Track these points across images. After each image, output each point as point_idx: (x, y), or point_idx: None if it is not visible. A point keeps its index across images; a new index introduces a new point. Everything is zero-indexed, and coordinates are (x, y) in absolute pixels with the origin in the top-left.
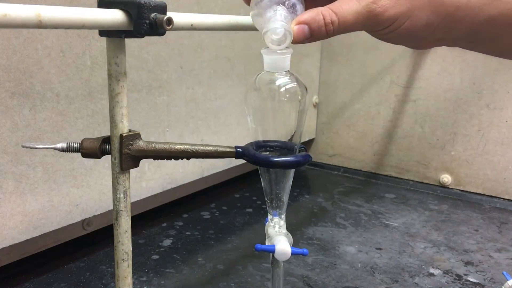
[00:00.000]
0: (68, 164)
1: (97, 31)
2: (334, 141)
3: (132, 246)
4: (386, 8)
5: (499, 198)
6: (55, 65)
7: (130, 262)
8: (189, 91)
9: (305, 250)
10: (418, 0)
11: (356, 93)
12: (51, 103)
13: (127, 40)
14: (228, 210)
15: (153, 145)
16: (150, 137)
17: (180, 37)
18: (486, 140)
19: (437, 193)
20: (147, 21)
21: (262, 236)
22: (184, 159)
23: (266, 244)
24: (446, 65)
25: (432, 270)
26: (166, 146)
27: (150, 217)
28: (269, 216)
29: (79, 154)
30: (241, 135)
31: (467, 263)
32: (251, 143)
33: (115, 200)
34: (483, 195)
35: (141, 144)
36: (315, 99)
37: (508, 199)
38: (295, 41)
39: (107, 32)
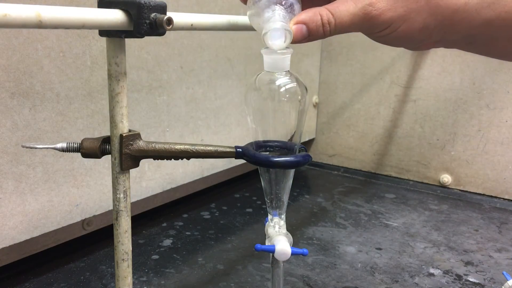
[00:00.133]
0: (68, 164)
1: (97, 31)
2: (334, 141)
3: (132, 246)
4: (383, 11)
5: (499, 198)
6: (55, 65)
7: (130, 262)
8: (189, 91)
9: (305, 250)
10: (415, 3)
11: (356, 93)
12: (51, 103)
13: (127, 40)
14: (228, 210)
15: (153, 145)
16: (150, 137)
17: (180, 37)
18: (486, 140)
19: (437, 193)
20: (147, 21)
21: (262, 236)
22: (184, 159)
23: (266, 244)
24: (446, 65)
25: (432, 270)
26: (166, 146)
27: (150, 217)
28: (269, 216)
29: (79, 154)
30: (241, 135)
31: (467, 263)
32: (251, 143)
33: (115, 200)
34: (483, 195)
35: (141, 144)
36: (315, 99)
37: (508, 199)
38: (293, 41)
39: (107, 32)
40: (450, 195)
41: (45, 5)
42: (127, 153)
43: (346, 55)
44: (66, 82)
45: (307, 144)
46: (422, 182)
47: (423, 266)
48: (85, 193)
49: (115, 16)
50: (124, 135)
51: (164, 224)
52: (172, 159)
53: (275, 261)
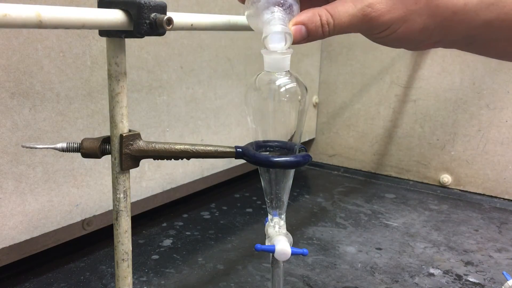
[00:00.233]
0: (68, 164)
1: (97, 31)
2: (334, 141)
3: (132, 246)
4: (382, 12)
5: (499, 198)
6: (55, 65)
7: (130, 262)
8: (189, 91)
9: (305, 250)
10: (414, 4)
11: (356, 93)
12: (51, 103)
13: (127, 40)
14: (228, 210)
15: (153, 145)
16: (150, 137)
17: (180, 37)
18: (486, 140)
19: (437, 193)
20: (147, 21)
21: (262, 236)
22: (184, 159)
23: (266, 244)
24: (446, 65)
25: (432, 270)
26: (166, 146)
27: (150, 217)
28: (269, 216)
29: (79, 154)
30: (241, 135)
31: (467, 263)
32: (251, 143)
33: (115, 200)
34: (483, 195)
35: (141, 144)
36: (315, 99)
37: (508, 199)
38: (293, 42)
39: (107, 32)
40: (450, 195)
41: (45, 5)
42: (127, 153)
43: (346, 55)
44: (66, 82)
45: (307, 144)
46: (422, 182)
47: (423, 266)
48: (85, 193)
49: (115, 16)
50: (124, 135)
51: (164, 224)
52: (172, 159)
53: (275, 261)
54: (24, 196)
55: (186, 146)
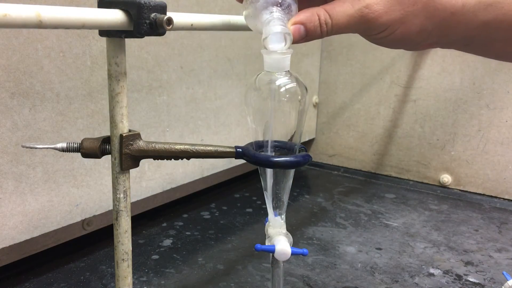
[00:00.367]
0: (68, 164)
1: (97, 31)
2: (334, 141)
3: (132, 246)
4: (380, 14)
5: (499, 198)
6: (55, 65)
7: (130, 262)
8: (189, 91)
9: (305, 250)
10: (412, 6)
11: (356, 93)
12: (51, 103)
13: (127, 40)
14: (228, 210)
15: (153, 145)
16: (150, 137)
17: (180, 37)
18: (486, 140)
19: (437, 193)
20: (147, 21)
21: (262, 236)
22: (184, 159)
23: (266, 244)
24: (446, 65)
25: (432, 270)
26: (166, 146)
27: (150, 217)
28: (269, 216)
29: (79, 154)
30: (241, 135)
31: (467, 263)
32: (251, 143)
33: (115, 200)
34: (483, 195)
35: (141, 144)
36: (315, 99)
37: (508, 199)
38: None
39: (107, 32)
40: (450, 195)
41: (45, 5)
42: (127, 153)
43: (346, 55)
44: (66, 82)
45: (307, 144)
46: (422, 182)
47: (423, 266)
48: (85, 193)
49: (115, 16)
50: (124, 135)
51: (164, 224)
52: (172, 159)
53: (275, 261)
54: (24, 196)
55: (186, 146)
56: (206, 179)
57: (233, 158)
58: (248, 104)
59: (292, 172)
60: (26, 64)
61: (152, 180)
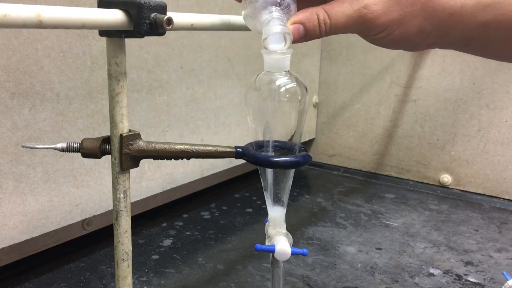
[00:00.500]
0: (68, 164)
1: (97, 31)
2: (334, 141)
3: (132, 246)
4: (378, 14)
5: (499, 198)
6: (55, 65)
7: (130, 262)
8: (189, 91)
9: (305, 250)
10: (411, 6)
11: (356, 93)
12: (51, 103)
13: (127, 40)
14: (228, 210)
15: (153, 145)
16: (150, 137)
17: (180, 37)
18: (486, 140)
19: (437, 193)
20: (147, 21)
21: (262, 236)
22: (184, 159)
23: (266, 244)
24: (446, 65)
25: (432, 270)
26: (166, 146)
27: (150, 217)
28: (269, 216)
29: (79, 154)
30: (241, 135)
31: (467, 263)
32: (251, 143)
33: (115, 200)
34: (483, 195)
35: (141, 144)
36: (315, 99)
37: (508, 199)
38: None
39: (107, 32)
40: (450, 195)
41: (45, 5)
42: (127, 153)
43: (346, 55)
44: (66, 82)
45: (307, 144)
46: (422, 182)
47: (423, 266)
48: (85, 193)
49: (115, 16)
50: (124, 135)
51: (164, 224)
52: (172, 159)
53: (275, 261)
54: (24, 196)
55: (186, 146)
56: (206, 179)
57: (233, 158)
58: (248, 104)
59: (292, 172)
60: (26, 64)
61: (152, 180)
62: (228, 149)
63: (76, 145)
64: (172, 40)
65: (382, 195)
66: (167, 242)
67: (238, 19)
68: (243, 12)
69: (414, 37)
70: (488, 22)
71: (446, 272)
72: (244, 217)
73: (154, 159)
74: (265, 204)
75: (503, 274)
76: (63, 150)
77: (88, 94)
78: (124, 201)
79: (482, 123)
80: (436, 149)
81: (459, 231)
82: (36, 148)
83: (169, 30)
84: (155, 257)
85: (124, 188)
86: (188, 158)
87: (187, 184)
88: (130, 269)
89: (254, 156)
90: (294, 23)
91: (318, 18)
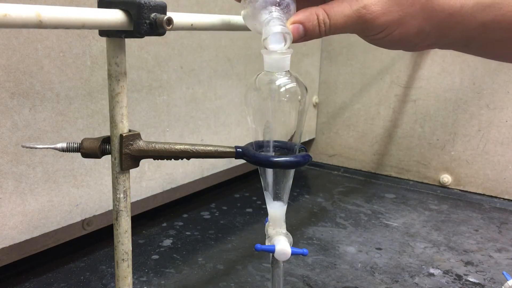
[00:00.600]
0: (68, 164)
1: (97, 31)
2: (334, 141)
3: (132, 246)
4: (377, 15)
5: (499, 198)
6: (55, 65)
7: (130, 262)
8: (189, 91)
9: (305, 250)
10: (410, 7)
11: (356, 93)
12: (51, 103)
13: (127, 40)
14: (228, 210)
15: (153, 145)
16: (150, 137)
17: (180, 37)
18: (486, 140)
19: (437, 193)
20: (147, 21)
21: (262, 236)
22: (184, 159)
23: (266, 244)
24: (446, 65)
25: (432, 270)
26: (166, 146)
27: (150, 217)
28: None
29: (79, 154)
30: (241, 135)
31: (467, 263)
32: (251, 143)
33: (115, 200)
34: (483, 195)
35: (141, 144)
36: (315, 99)
37: (508, 199)
38: None
39: (107, 32)
40: (450, 195)
41: (45, 5)
42: (127, 153)
43: (346, 55)
44: (66, 82)
45: (307, 144)
46: (422, 182)
47: (423, 266)
48: (85, 193)
49: (115, 16)
50: (124, 135)
51: (164, 224)
52: (172, 159)
53: (275, 261)
54: (24, 196)
55: (186, 146)
56: (206, 179)
57: (233, 158)
58: (248, 104)
59: (292, 172)
60: (26, 64)
61: (152, 180)
62: (228, 149)
63: (76, 145)
64: (172, 40)
65: (382, 195)
66: (167, 242)
67: (238, 19)
68: (242, 12)
69: (413, 37)
70: (487, 22)
71: (446, 272)
72: (244, 217)
73: (154, 159)
74: (265, 204)
75: (503, 274)
76: (63, 150)
77: (88, 94)
78: (124, 201)
79: (482, 123)
80: (436, 149)
81: (459, 231)
82: (36, 148)
83: (169, 30)
84: (155, 257)
85: (124, 188)
86: (188, 158)
87: (187, 184)
88: (130, 269)
89: (254, 156)
90: (293, 23)
91: (317, 18)
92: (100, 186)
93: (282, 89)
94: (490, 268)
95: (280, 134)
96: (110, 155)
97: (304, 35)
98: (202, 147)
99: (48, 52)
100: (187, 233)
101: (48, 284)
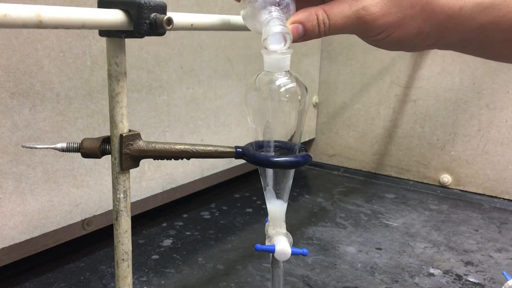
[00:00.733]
0: (68, 164)
1: (97, 31)
2: (334, 141)
3: (132, 246)
4: (377, 16)
5: (499, 198)
6: (55, 65)
7: (130, 262)
8: (189, 91)
9: (305, 250)
10: (410, 8)
11: (356, 93)
12: (51, 103)
13: (127, 40)
14: (228, 210)
15: (153, 145)
16: (150, 137)
17: (180, 37)
18: (486, 140)
19: (437, 193)
20: (147, 21)
21: (262, 236)
22: (184, 159)
23: (266, 244)
24: (446, 65)
25: (432, 270)
26: (166, 146)
27: (150, 217)
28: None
29: (79, 154)
30: (241, 135)
31: (467, 263)
32: (251, 143)
33: (115, 200)
34: (483, 195)
35: (141, 144)
36: (315, 99)
37: (508, 199)
38: None
39: (107, 32)
40: (450, 195)
41: (45, 5)
42: (127, 153)
43: (346, 55)
44: (66, 82)
45: (307, 144)
46: (422, 182)
47: (423, 266)
48: (85, 193)
49: (115, 16)
50: (124, 135)
51: (164, 224)
52: (172, 159)
53: (275, 261)
54: (24, 196)
55: (186, 146)
56: (206, 179)
57: (233, 158)
58: (248, 104)
59: (292, 172)
60: (26, 64)
61: (152, 180)
62: (228, 149)
63: (76, 145)
64: (172, 40)
65: (382, 195)
66: (167, 242)
67: (238, 19)
68: (242, 12)
69: (412, 38)
70: (486, 24)
71: (446, 272)
72: (244, 217)
73: (154, 159)
74: (265, 204)
75: (503, 274)
76: (63, 150)
77: (88, 94)
78: (124, 201)
79: (482, 123)
80: (436, 149)
81: (459, 231)
82: (36, 148)
83: (169, 30)
84: (155, 257)
85: (124, 188)
86: (188, 158)
87: (187, 184)
88: (130, 269)
89: (254, 156)
90: (293, 22)
91: (317, 18)
92: (100, 186)
93: (282, 89)
94: (490, 268)
95: (280, 134)
96: (110, 155)
97: (303, 35)
98: (202, 147)
99: (48, 52)
100: (187, 233)
101: (48, 284)
